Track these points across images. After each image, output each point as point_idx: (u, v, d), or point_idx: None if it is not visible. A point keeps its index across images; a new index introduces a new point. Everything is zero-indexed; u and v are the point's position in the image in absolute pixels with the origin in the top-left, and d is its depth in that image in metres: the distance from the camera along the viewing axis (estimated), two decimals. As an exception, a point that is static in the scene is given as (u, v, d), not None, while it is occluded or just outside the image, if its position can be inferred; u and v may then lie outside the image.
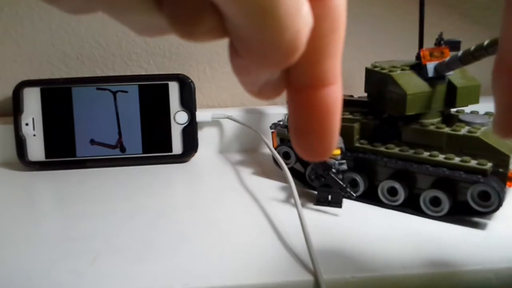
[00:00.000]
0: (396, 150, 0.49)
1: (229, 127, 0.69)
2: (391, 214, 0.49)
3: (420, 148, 0.48)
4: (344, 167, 0.49)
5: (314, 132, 0.15)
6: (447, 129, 0.48)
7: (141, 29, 0.14)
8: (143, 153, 0.65)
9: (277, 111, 0.68)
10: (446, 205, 0.46)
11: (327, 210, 0.50)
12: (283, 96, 0.16)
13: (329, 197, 0.50)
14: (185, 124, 0.65)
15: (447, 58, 0.47)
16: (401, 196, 0.49)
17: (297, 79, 0.15)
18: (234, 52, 0.14)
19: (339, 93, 0.15)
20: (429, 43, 0.51)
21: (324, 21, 0.14)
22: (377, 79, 0.50)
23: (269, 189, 0.56)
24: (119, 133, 0.65)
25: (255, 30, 0.12)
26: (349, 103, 0.55)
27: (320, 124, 0.15)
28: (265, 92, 0.15)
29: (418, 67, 0.49)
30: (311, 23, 0.13)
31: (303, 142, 0.16)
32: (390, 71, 0.49)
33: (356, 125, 0.51)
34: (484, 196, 0.44)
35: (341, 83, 0.15)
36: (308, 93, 0.15)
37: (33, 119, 0.63)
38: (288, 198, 0.53)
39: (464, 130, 0.47)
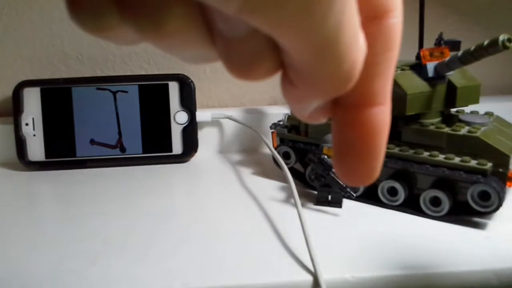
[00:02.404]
0: (396, 150, 0.49)
1: (229, 127, 0.69)
2: (391, 214, 0.49)
3: (420, 148, 0.48)
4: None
5: (359, 154, 0.15)
6: (447, 129, 0.48)
7: (191, 60, 0.14)
8: (143, 153, 0.65)
9: (277, 111, 0.68)
10: (446, 205, 0.46)
11: (327, 210, 0.50)
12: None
13: (329, 197, 0.50)
14: (185, 124, 0.65)
15: (447, 58, 0.47)
16: (401, 196, 0.49)
17: (346, 97, 0.14)
18: (287, 82, 0.13)
19: (387, 115, 0.15)
20: (429, 43, 0.51)
21: (377, 40, 0.14)
22: (377, 79, 0.50)
23: (269, 189, 0.56)
24: (119, 133, 0.65)
25: (315, 63, 0.12)
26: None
27: (365, 145, 0.15)
28: (315, 115, 0.15)
29: (418, 67, 0.49)
30: (366, 51, 0.13)
31: (347, 165, 0.15)
32: (390, 71, 0.49)
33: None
34: (484, 196, 0.44)
35: (390, 105, 0.15)
36: (355, 112, 0.14)
37: (33, 119, 0.63)
38: (288, 198, 0.53)
39: (464, 130, 0.47)
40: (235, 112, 0.68)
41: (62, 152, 0.64)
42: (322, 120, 0.15)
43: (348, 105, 0.14)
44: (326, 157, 0.49)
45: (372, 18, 0.13)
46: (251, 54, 0.12)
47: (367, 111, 0.14)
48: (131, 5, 0.11)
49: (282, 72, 0.13)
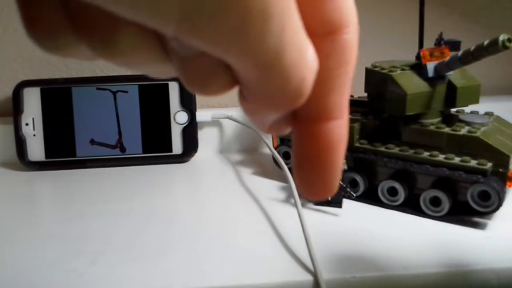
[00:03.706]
0: (396, 150, 0.49)
1: (229, 127, 0.69)
2: (391, 214, 0.49)
3: (420, 148, 0.48)
4: (344, 167, 0.49)
5: (316, 167, 0.15)
6: (447, 129, 0.48)
7: (152, 74, 0.14)
8: (143, 153, 0.65)
9: (277, 111, 0.68)
10: (446, 205, 0.46)
11: (327, 210, 0.50)
12: None
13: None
14: (185, 124, 0.65)
15: (447, 58, 0.47)
16: (401, 196, 0.49)
17: (303, 111, 0.14)
18: (243, 97, 0.14)
19: (344, 129, 0.15)
20: (429, 43, 0.51)
21: (331, 55, 0.14)
22: (377, 79, 0.50)
23: (269, 189, 0.56)
24: (119, 133, 0.65)
25: (261, 82, 0.12)
26: (349, 103, 0.55)
27: (321, 158, 0.15)
28: (275, 128, 0.15)
29: (418, 67, 0.49)
30: (316, 67, 0.13)
31: (305, 178, 0.15)
32: (390, 71, 0.49)
33: (356, 125, 0.51)
34: (484, 196, 0.44)
35: (347, 118, 0.15)
36: (312, 126, 0.15)
37: (33, 119, 0.63)
38: (288, 198, 0.53)
39: (464, 130, 0.47)
40: (235, 112, 0.68)
41: (62, 152, 0.64)
42: (284, 132, 0.16)
43: (305, 119, 0.15)
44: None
45: (325, 34, 0.14)
46: (204, 71, 0.12)
47: (323, 125, 0.14)
48: (84, 25, 0.12)
49: (239, 87, 0.14)
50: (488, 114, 0.52)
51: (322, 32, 0.14)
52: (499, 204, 0.44)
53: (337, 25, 0.14)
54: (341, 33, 0.14)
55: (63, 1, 0.12)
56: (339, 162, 0.15)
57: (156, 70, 0.14)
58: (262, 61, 0.12)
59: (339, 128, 0.15)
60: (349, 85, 0.15)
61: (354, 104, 0.55)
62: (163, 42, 0.12)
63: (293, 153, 0.15)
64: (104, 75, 0.70)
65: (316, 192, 0.15)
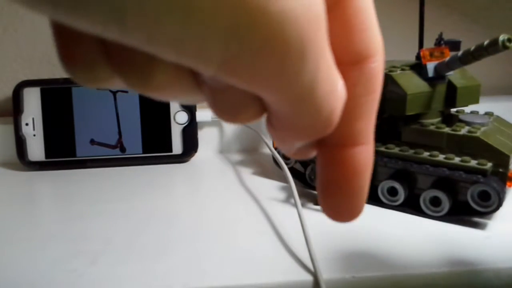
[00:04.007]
0: (396, 150, 0.49)
1: (229, 127, 0.69)
2: (391, 214, 0.49)
3: (420, 148, 0.48)
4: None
5: (342, 192, 0.15)
6: (447, 129, 0.48)
7: (181, 102, 0.15)
8: (143, 153, 0.65)
9: (277, 111, 0.68)
10: (446, 205, 0.46)
11: (327, 210, 0.50)
12: None
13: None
14: (185, 124, 0.65)
15: (447, 58, 0.47)
16: (401, 196, 0.49)
17: (329, 137, 0.15)
18: (271, 125, 0.14)
19: (370, 154, 0.15)
20: (429, 43, 0.51)
21: (358, 83, 0.14)
22: (377, 79, 0.50)
23: (269, 189, 0.56)
24: (119, 133, 0.65)
25: (293, 113, 0.13)
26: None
27: (347, 183, 0.15)
28: (301, 153, 0.16)
29: (418, 67, 0.49)
30: (345, 96, 0.13)
31: (330, 202, 0.15)
32: (390, 71, 0.49)
33: (356, 125, 0.51)
34: (484, 196, 0.44)
35: (373, 144, 0.15)
36: (338, 151, 0.15)
37: (33, 119, 0.63)
38: (288, 198, 0.53)
39: (464, 130, 0.47)
40: (235, 112, 0.68)
41: (62, 152, 0.64)
42: (309, 157, 0.16)
43: (332, 145, 0.15)
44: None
45: (353, 63, 0.14)
46: (235, 102, 0.13)
47: (349, 151, 0.15)
48: (121, 62, 0.12)
49: (267, 115, 0.14)
50: (488, 114, 0.52)
51: (350, 61, 0.14)
52: (499, 204, 0.44)
53: (365, 55, 0.14)
54: (369, 62, 0.14)
55: (101, 37, 0.12)
56: (366, 186, 0.15)
57: (187, 99, 0.14)
58: (295, 96, 0.12)
59: (365, 153, 0.15)
60: (375, 112, 0.15)
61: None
62: (195, 74, 0.13)
63: (319, 178, 0.16)
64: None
65: (343, 216, 0.16)
